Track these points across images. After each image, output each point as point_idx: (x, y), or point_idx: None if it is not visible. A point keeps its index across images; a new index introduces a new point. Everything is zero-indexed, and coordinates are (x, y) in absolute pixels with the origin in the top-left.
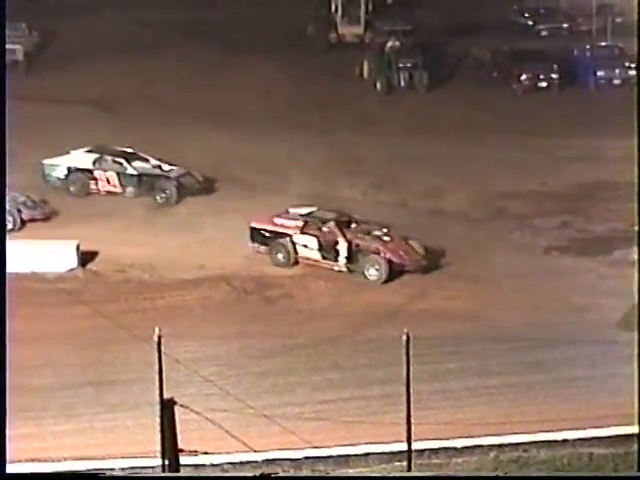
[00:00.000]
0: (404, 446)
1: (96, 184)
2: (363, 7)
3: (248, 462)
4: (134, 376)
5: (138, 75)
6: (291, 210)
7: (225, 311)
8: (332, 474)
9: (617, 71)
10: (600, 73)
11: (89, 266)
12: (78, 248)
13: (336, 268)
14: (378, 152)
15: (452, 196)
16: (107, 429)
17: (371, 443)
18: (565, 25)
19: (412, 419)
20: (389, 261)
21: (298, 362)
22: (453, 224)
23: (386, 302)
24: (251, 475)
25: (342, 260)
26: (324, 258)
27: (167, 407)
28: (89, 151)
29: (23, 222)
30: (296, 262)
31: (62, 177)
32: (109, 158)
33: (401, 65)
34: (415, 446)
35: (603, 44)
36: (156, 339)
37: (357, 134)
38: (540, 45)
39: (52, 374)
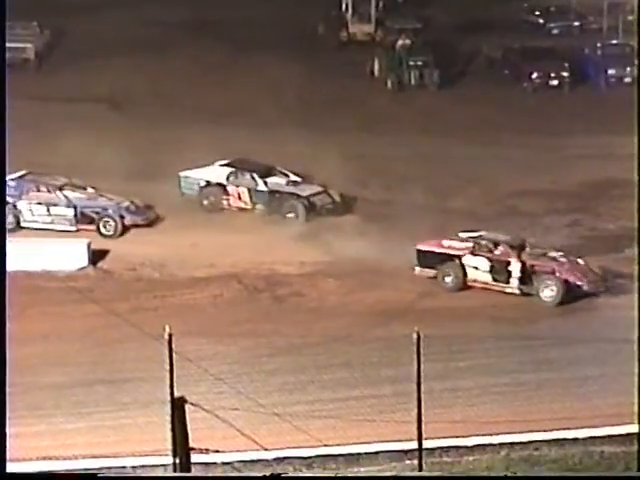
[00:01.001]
0: (415, 444)
1: (228, 199)
2: (374, 5)
3: (259, 460)
4: (145, 374)
5: (149, 74)
6: (460, 234)
7: (236, 309)
8: (343, 472)
9: (628, 69)
10: (611, 71)
11: (100, 264)
12: (89, 247)
13: (508, 290)
14: (388, 150)
15: (462, 194)
16: (118, 427)
17: (382, 441)
18: (576, 23)
19: (423, 417)
20: (565, 281)
21: (309, 360)
22: (463, 222)
23: (396, 300)
24: (261, 475)
25: (514, 282)
26: (495, 280)
27: (178, 405)
28: (226, 165)
29: (125, 227)
30: (465, 286)
31: (198, 190)
32: (244, 173)
33: (412, 63)
34: (426, 444)
35: (614, 42)
36: (167, 337)
37: (368, 132)
38: (551, 43)
39: (63, 372)
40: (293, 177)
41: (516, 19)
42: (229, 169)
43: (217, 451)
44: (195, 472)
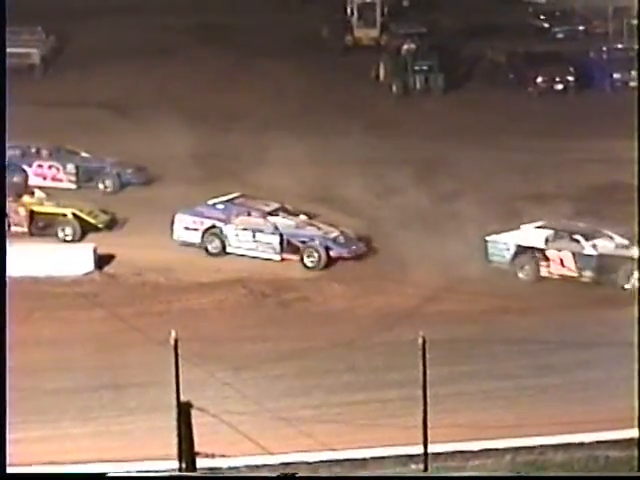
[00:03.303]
0: (420, 449)
1: (548, 266)
2: (379, 10)
3: (265, 465)
4: (151, 379)
5: (154, 79)
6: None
7: (241, 314)
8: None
9: (633, 73)
10: (616, 75)
11: (106, 269)
12: (95, 251)
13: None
14: (393, 155)
15: (467, 198)
16: (124, 432)
17: (387, 446)
18: (581, 27)
19: (428, 422)
20: None
21: (314, 365)
22: (468, 226)
23: (401, 305)
24: (269, 476)
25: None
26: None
27: (184, 410)
28: (541, 227)
29: (330, 259)
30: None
31: (509, 257)
32: (565, 235)
33: (417, 68)
34: (431, 449)
35: (619, 46)
36: (173, 342)
37: (373, 137)
38: (556, 47)
39: (69, 377)
40: (619, 239)
41: (521, 23)
42: (547, 231)
43: (223, 455)
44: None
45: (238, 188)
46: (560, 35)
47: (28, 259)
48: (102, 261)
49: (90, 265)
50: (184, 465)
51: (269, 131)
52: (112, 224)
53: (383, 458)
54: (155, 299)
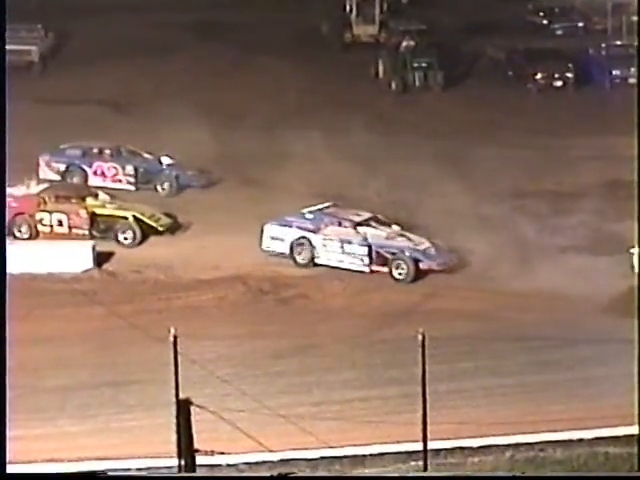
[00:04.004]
0: (420, 446)
1: None
2: (378, 7)
3: (264, 462)
4: (150, 376)
5: (153, 76)
6: None
7: (241, 311)
8: (348, 474)
9: (632, 70)
10: (615, 72)
11: (105, 266)
12: (94, 249)
13: None
14: (393, 152)
15: (467, 195)
16: (123, 429)
17: (387, 443)
18: (580, 24)
19: (428, 419)
20: None
21: (314, 362)
22: (468, 224)
23: (401, 301)
24: (268, 475)
25: None
26: None
27: (183, 407)
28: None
29: (420, 271)
30: None
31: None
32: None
33: (416, 65)
34: (431, 446)
35: (618, 43)
36: (172, 339)
37: (372, 134)
38: (555, 44)
39: (68, 375)
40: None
41: (520, 20)
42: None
43: (222, 453)
44: (200, 474)
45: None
46: (559, 32)
47: (27, 256)
48: (101, 258)
49: (89, 262)
50: (183, 462)
51: (267, 128)
52: (174, 228)
53: (383, 455)
54: (154, 296)
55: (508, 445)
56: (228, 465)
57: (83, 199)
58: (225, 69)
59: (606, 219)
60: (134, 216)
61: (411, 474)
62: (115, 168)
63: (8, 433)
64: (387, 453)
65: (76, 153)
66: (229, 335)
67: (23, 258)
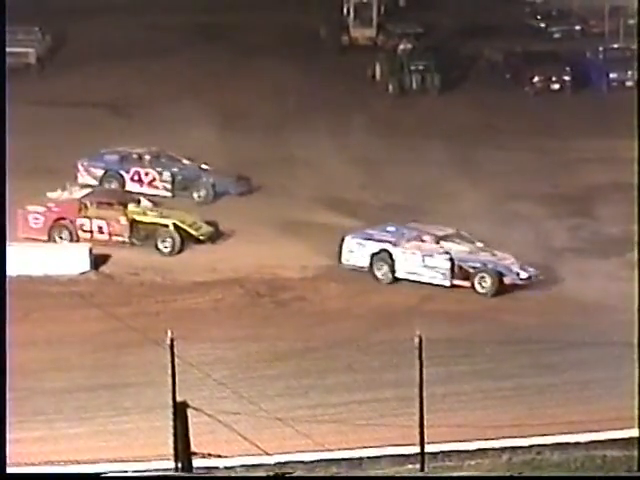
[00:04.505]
0: (417, 449)
1: None
2: (375, 10)
3: (261, 465)
4: (147, 379)
5: (151, 78)
6: None
7: (238, 314)
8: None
9: (629, 73)
10: (612, 75)
11: (102, 269)
12: (91, 251)
13: None
14: (390, 154)
15: (464, 198)
16: (120, 432)
17: (384, 446)
18: (578, 27)
19: (425, 421)
20: None
21: (311, 365)
22: (466, 226)
23: (398, 304)
24: (261, 476)
25: None
26: None
27: (180, 410)
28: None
29: (503, 286)
30: None
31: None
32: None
33: (413, 67)
34: (428, 449)
35: (615, 46)
36: (169, 342)
37: (369, 136)
38: (553, 47)
39: (65, 377)
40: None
41: (518, 23)
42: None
43: (219, 455)
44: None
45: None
46: (557, 35)
47: (24, 258)
48: (98, 261)
49: (86, 265)
50: (180, 465)
51: (264, 130)
52: (215, 236)
53: (380, 458)
54: (152, 299)
55: (505, 448)
56: (225, 468)
57: (125, 205)
58: (223, 71)
59: (604, 222)
60: (174, 224)
61: (408, 475)
62: (152, 174)
63: (7, 435)
64: (384, 456)
65: (114, 158)
66: (226, 338)
67: (20, 260)
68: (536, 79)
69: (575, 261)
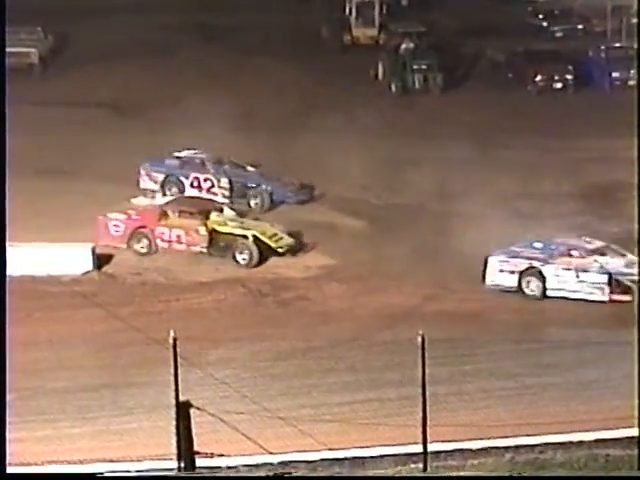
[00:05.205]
0: (419, 448)
1: None
2: (377, 9)
3: (264, 464)
4: (150, 379)
5: (153, 78)
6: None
7: (240, 314)
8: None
9: (632, 72)
10: (615, 74)
11: (105, 269)
12: (94, 251)
13: None
14: (393, 154)
15: (467, 198)
16: (123, 432)
17: (386, 445)
18: (580, 26)
19: (427, 421)
20: None
21: (313, 364)
22: (468, 225)
23: (401, 304)
24: (262, 476)
25: None
26: None
27: (183, 409)
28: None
29: None
30: None
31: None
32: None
33: (415, 67)
34: (431, 448)
35: (618, 45)
36: (171, 341)
37: (371, 136)
38: (555, 46)
39: (68, 377)
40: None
41: (520, 22)
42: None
43: (222, 455)
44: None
45: None
46: (559, 34)
47: (27, 258)
48: (101, 261)
49: (89, 265)
50: (183, 464)
51: (267, 130)
52: (296, 249)
53: (382, 457)
54: (154, 298)
55: (508, 447)
56: (228, 467)
57: (207, 215)
58: (226, 71)
59: (605, 221)
60: (254, 235)
61: (410, 475)
62: (210, 180)
63: (8, 435)
64: (387, 455)
65: (175, 163)
66: (229, 337)
67: (23, 260)
68: (538, 78)
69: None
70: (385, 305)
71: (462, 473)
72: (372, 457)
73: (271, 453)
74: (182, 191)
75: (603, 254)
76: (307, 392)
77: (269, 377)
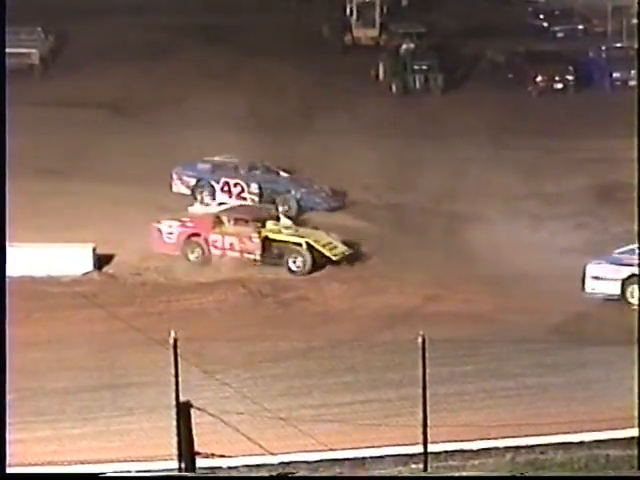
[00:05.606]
0: (420, 448)
1: None
2: (378, 9)
3: (264, 465)
4: (150, 379)
5: (153, 79)
6: None
7: (241, 314)
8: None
9: (632, 72)
10: (615, 74)
11: (105, 269)
12: (94, 251)
13: None
14: (393, 154)
15: (468, 198)
16: (123, 432)
17: (387, 445)
18: (580, 26)
19: (428, 421)
20: None
21: (314, 365)
22: (469, 226)
23: (401, 304)
24: (263, 476)
25: None
26: None
27: (183, 410)
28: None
29: None
30: None
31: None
32: None
33: (416, 67)
34: (431, 448)
35: (618, 45)
36: (172, 342)
37: (372, 136)
38: (555, 47)
39: (68, 377)
40: None
41: (520, 23)
42: None
43: (222, 455)
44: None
45: None
46: (559, 34)
47: (27, 259)
48: (101, 261)
49: (89, 265)
50: (183, 465)
51: (267, 130)
52: (353, 258)
53: (383, 457)
54: (155, 299)
55: (509, 448)
56: (228, 467)
57: (262, 222)
58: (226, 72)
59: (606, 221)
60: (307, 243)
61: (411, 475)
62: (240, 185)
63: (8, 436)
64: (387, 456)
65: (206, 167)
66: (229, 338)
67: (23, 261)
68: (539, 79)
69: (578, 260)
70: (385, 305)
71: (463, 473)
72: (373, 457)
73: (272, 453)
74: (213, 196)
75: None
76: (308, 392)
77: (270, 377)
